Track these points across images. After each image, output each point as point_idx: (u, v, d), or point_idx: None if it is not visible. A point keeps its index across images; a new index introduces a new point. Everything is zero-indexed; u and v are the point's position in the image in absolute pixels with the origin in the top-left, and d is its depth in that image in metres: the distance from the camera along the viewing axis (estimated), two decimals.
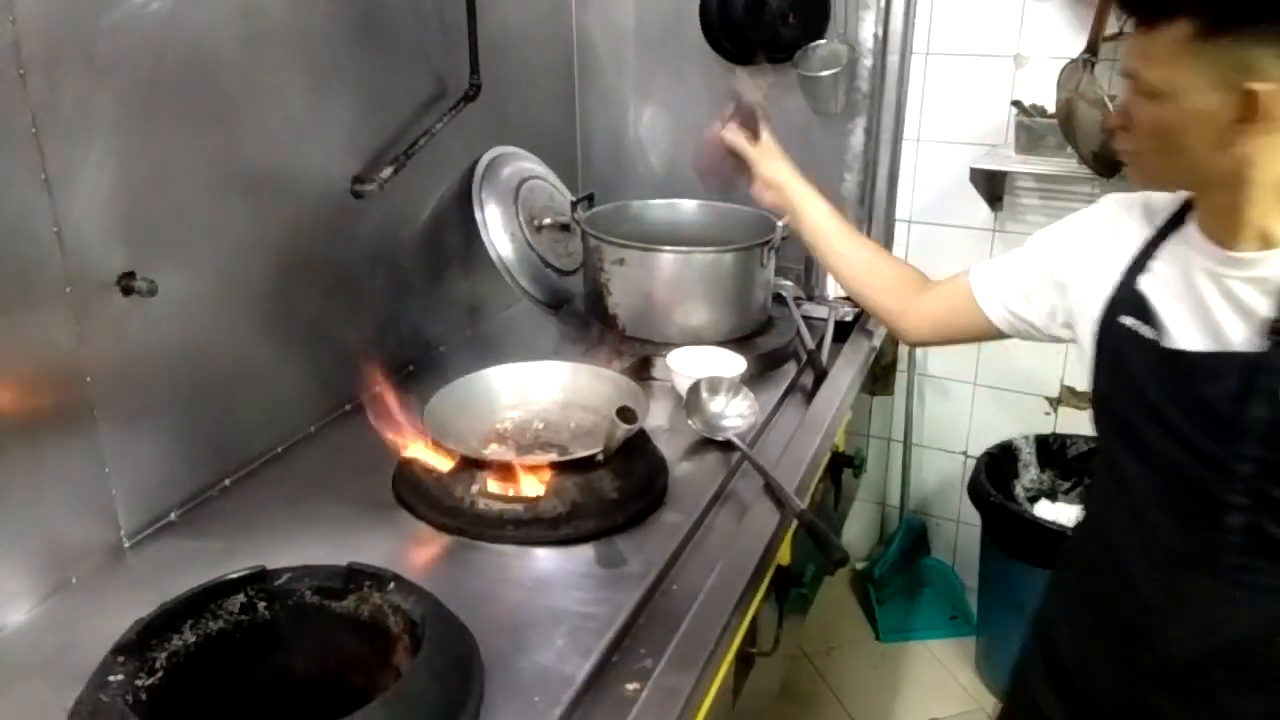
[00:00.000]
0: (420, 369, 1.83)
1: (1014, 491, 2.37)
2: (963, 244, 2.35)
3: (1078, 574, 1.26)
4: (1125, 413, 1.10)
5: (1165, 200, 1.13)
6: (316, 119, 1.52)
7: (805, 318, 2.01)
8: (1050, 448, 2.40)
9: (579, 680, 1.02)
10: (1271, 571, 1.03)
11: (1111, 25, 1.91)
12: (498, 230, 1.89)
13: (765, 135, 1.50)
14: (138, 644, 0.94)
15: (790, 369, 1.86)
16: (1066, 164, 2.07)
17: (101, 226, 1.17)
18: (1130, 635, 1.14)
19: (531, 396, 1.57)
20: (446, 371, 1.58)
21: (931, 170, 2.34)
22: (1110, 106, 1.87)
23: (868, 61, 2.21)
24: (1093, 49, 1.90)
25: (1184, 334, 1.04)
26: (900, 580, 2.68)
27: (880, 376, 2.44)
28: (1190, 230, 1.07)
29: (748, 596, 1.22)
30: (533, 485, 1.30)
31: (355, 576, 1.05)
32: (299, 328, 1.55)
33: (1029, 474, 2.41)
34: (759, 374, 1.78)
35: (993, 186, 2.26)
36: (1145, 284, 1.08)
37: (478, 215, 1.87)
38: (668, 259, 1.81)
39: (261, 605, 1.04)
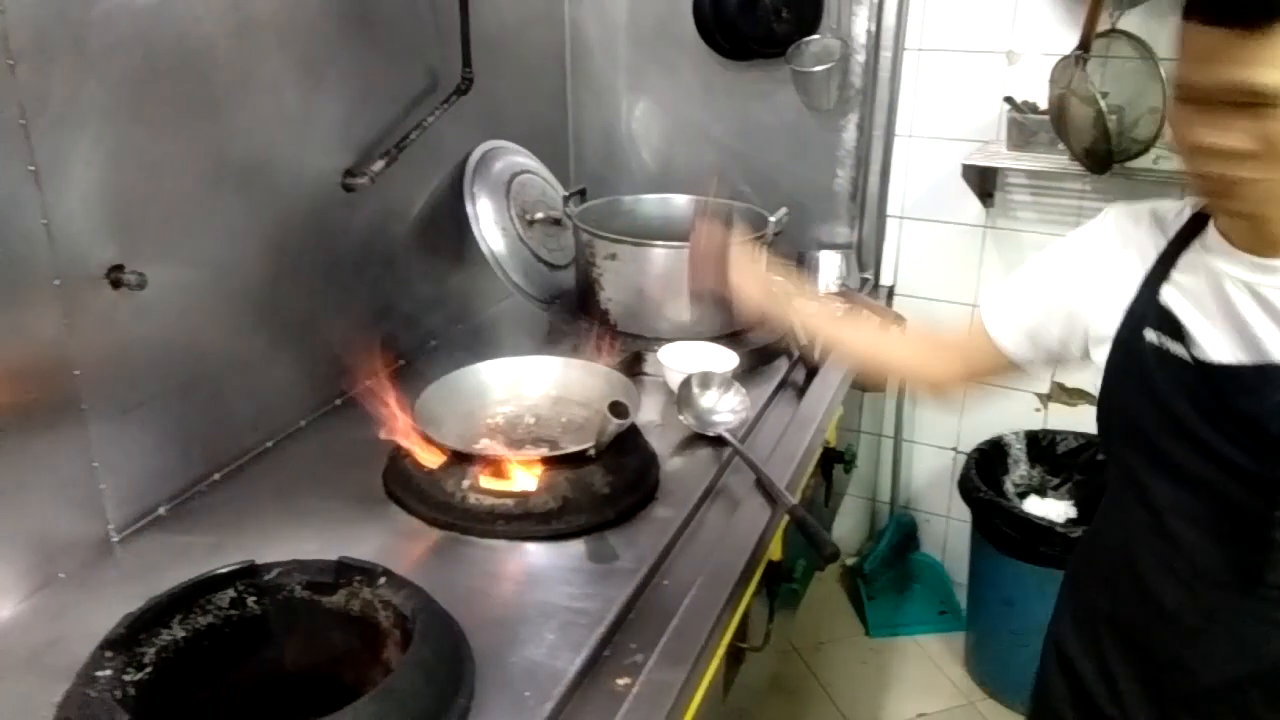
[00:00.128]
0: (411, 363, 1.82)
1: (1004, 487, 2.38)
2: (954, 240, 2.36)
3: (1094, 594, 1.19)
4: (1149, 431, 1.04)
5: (1172, 208, 1.09)
6: (308, 111, 1.52)
7: None
8: (1040, 444, 2.41)
9: (570, 675, 1.02)
10: None
11: (1104, 22, 1.91)
12: (489, 224, 1.89)
13: (783, 282, 1.43)
14: (126, 639, 0.94)
15: (782, 364, 1.86)
16: (1058, 160, 2.07)
17: (90, 219, 1.16)
18: (1160, 659, 1.09)
19: (523, 391, 1.57)
20: (438, 366, 1.58)
21: (923, 166, 2.34)
22: (1103, 104, 1.87)
23: (860, 57, 2.21)
24: (1085, 45, 1.90)
25: (1217, 347, 0.99)
26: (890, 576, 2.68)
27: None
28: (1212, 238, 1.02)
29: (738, 591, 1.22)
30: (524, 480, 1.30)
31: (345, 571, 1.05)
32: (289, 321, 1.54)
33: (1019, 470, 2.42)
34: (750, 369, 1.78)
35: (984, 183, 2.26)
36: (1168, 297, 1.03)
37: (469, 209, 1.87)
38: (660, 254, 1.81)
39: (251, 600, 1.04)
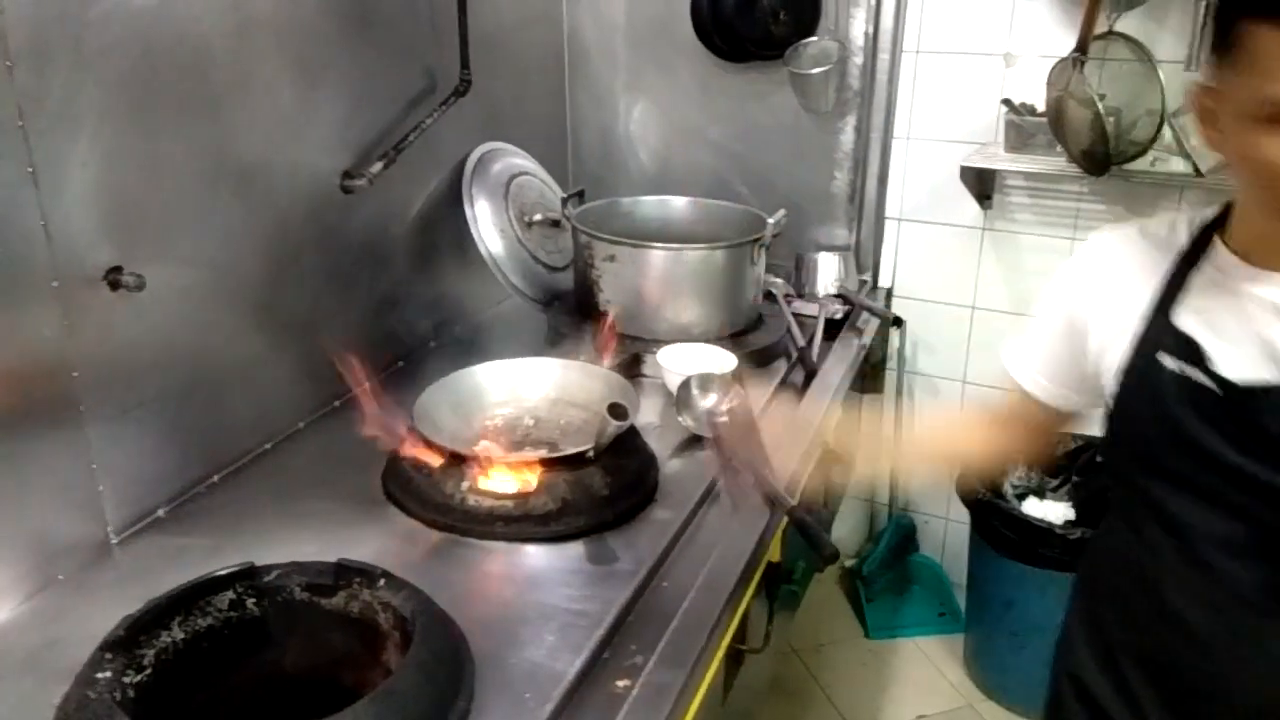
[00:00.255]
0: (410, 365, 1.82)
1: (1002, 489, 2.38)
2: (952, 242, 2.36)
3: (1111, 622, 1.14)
4: (1168, 458, 1.00)
5: (1161, 226, 1.06)
6: (306, 113, 1.52)
7: (796, 315, 2.02)
8: None
9: (569, 677, 1.02)
10: None
11: (1101, 24, 1.91)
12: (488, 226, 1.89)
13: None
14: (126, 641, 0.93)
15: (780, 366, 1.86)
16: (1056, 162, 2.07)
17: (89, 220, 1.16)
18: (1191, 686, 1.05)
19: (521, 393, 1.57)
20: (436, 368, 1.57)
21: (921, 168, 2.34)
22: (1100, 106, 1.87)
23: (858, 59, 2.21)
24: (1083, 47, 1.90)
25: (1241, 368, 0.95)
26: (889, 577, 2.68)
27: (870, 374, 2.44)
28: (1223, 257, 0.99)
29: (738, 593, 1.22)
30: (523, 482, 1.30)
31: (345, 573, 1.05)
32: (288, 323, 1.54)
33: (1017, 471, 2.42)
34: (749, 371, 1.78)
35: (982, 185, 2.27)
36: (1183, 321, 0.99)
37: (468, 211, 1.87)
38: (658, 255, 1.81)
39: (250, 602, 1.03)
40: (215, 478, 1.41)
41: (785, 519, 1.38)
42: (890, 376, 2.54)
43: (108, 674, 0.90)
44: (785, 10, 2.18)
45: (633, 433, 1.42)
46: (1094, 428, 1.14)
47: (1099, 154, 1.94)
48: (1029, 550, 2.11)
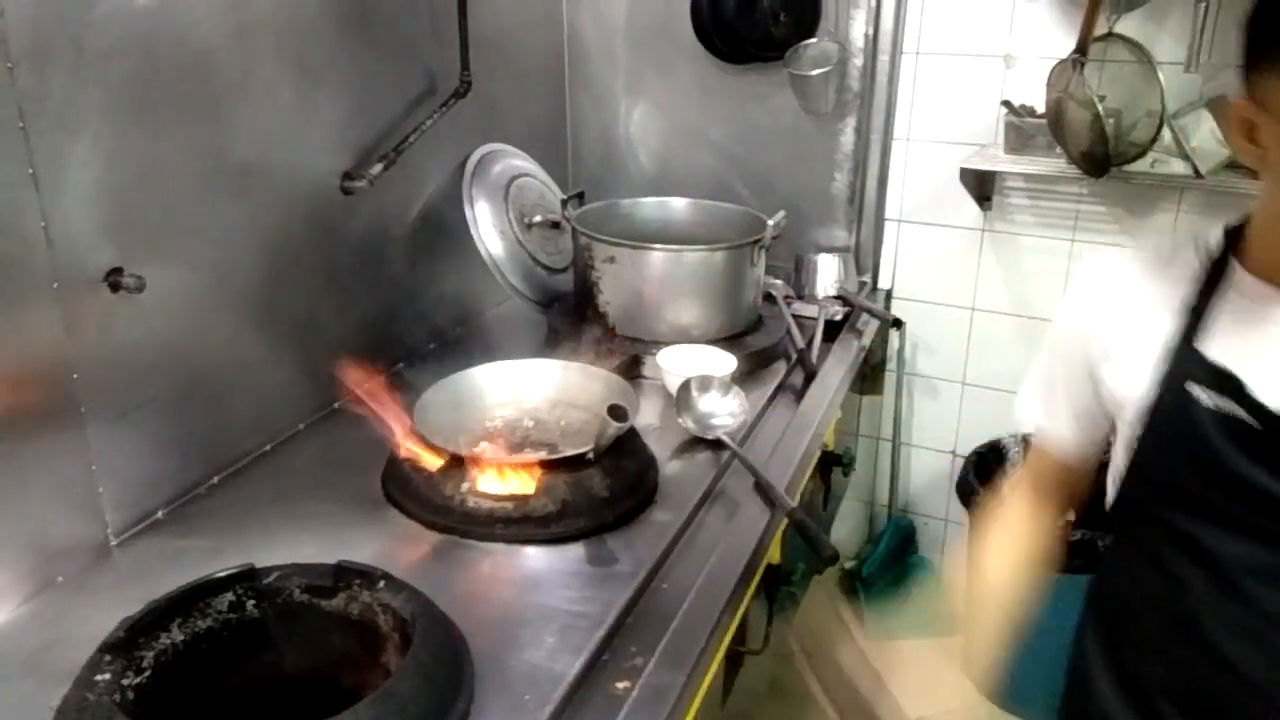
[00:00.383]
0: (410, 367, 1.82)
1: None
2: (952, 243, 2.36)
3: (1140, 662, 1.09)
4: (1200, 490, 0.97)
5: (1161, 250, 1.04)
6: (306, 114, 1.52)
7: (795, 317, 2.02)
8: None
9: (569, 678, 1.02)
10: None
11: (1101, 25, 1.92)
12: (488, 228, 1.89)
13: None
14: (125, 642, 0.93)
15: (780, 368, 1.86)
16: (1055, 164, 2.07)
17: (89, 222, 1.16)
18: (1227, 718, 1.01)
19: (521, 395, 1.57)
20: (436, 369, 1.58)
21: (921, 170, 2.34)
22: (1100, 107, 1.87)
23: (858, 61, 2.21)
24: (1082, 49, 1.90)
25: (1278, 397, 0.92)
26: (889, 579, 2.68)
27: (869, 376, 2.44)
28: (1247, 283, 0.96)
29: (737, 595, 1.22)
30: (523, 483, 1.30)
31: (345, 575, 1.05)
32: (288, 324, 1.54)
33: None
34: (749, 373, 1.78)
35: (982, 186, 2.27)
36: (1213, 350, 0.96)
37: (468, 212, 1.87)
38: (658, 257, 1.81)
39: (250, 604, 1.04)
40: (215, 479, 1.41)
41: (785, 521, 1.38)
42: (890, 378, 2.54)
43: (107, 676, 0.90)
44: (785, 12, 2.18)
45: (632, 434, 1.42)
46: None
47: (1099, 155, 1.94)
48: None
